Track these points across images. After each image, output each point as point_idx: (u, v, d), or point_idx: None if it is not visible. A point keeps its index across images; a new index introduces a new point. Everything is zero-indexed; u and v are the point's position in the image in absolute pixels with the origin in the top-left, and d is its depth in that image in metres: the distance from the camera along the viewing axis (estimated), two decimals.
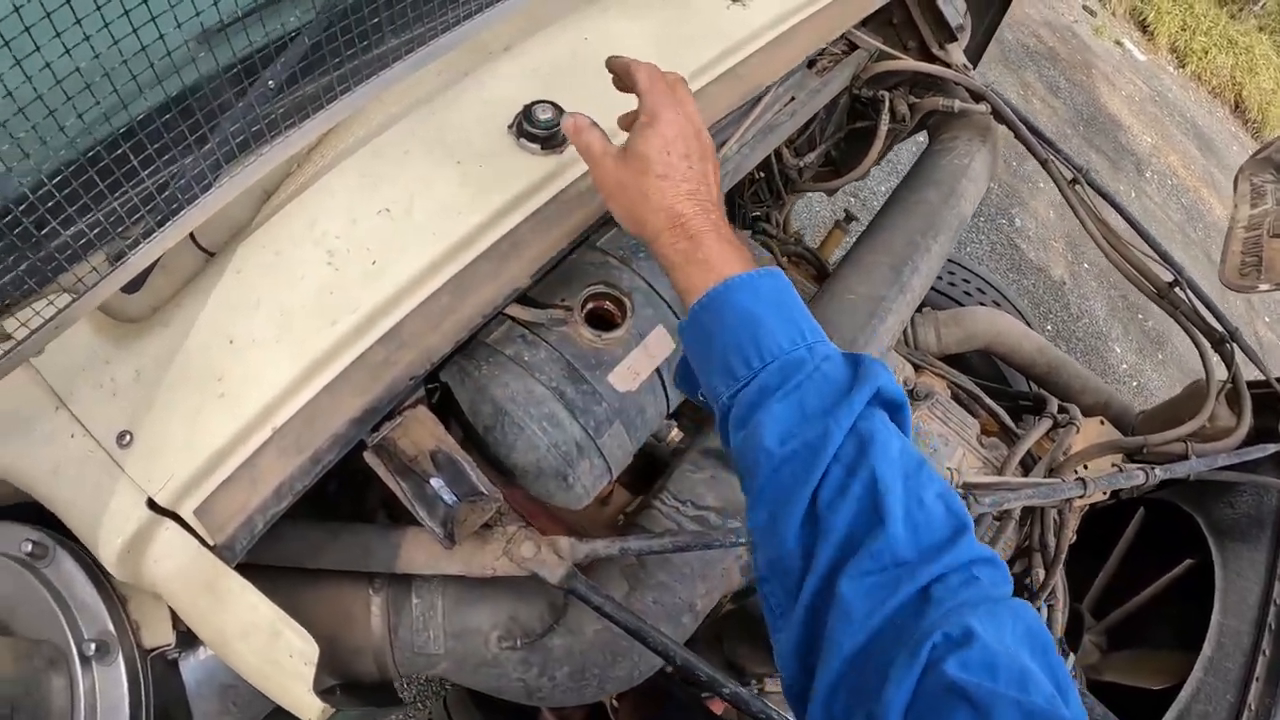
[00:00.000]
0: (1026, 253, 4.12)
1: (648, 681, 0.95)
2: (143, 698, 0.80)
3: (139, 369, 0.76)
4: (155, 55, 0.59)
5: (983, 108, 1.69)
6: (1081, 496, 1.23)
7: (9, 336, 0.72)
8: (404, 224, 0.88)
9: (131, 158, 0.66)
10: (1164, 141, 5.62)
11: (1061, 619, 1.45)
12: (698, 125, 0.79)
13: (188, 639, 0.83)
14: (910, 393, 1.50)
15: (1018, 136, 1.68)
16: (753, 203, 2.07)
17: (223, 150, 0.66)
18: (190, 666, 0.88)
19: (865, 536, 0.53)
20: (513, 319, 0.94)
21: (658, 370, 0.97)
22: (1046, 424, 1.60)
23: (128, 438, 0.75)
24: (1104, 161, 5.01)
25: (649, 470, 1.15)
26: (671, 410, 1.03)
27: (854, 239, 2.35)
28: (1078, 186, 1.65)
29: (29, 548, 0.81)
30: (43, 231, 0.64)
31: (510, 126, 0.99)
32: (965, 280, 2.41)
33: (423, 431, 0.85)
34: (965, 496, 1.09)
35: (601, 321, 0.96)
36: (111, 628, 0.81)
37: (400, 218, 0.88)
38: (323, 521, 0.92)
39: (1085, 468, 1.55)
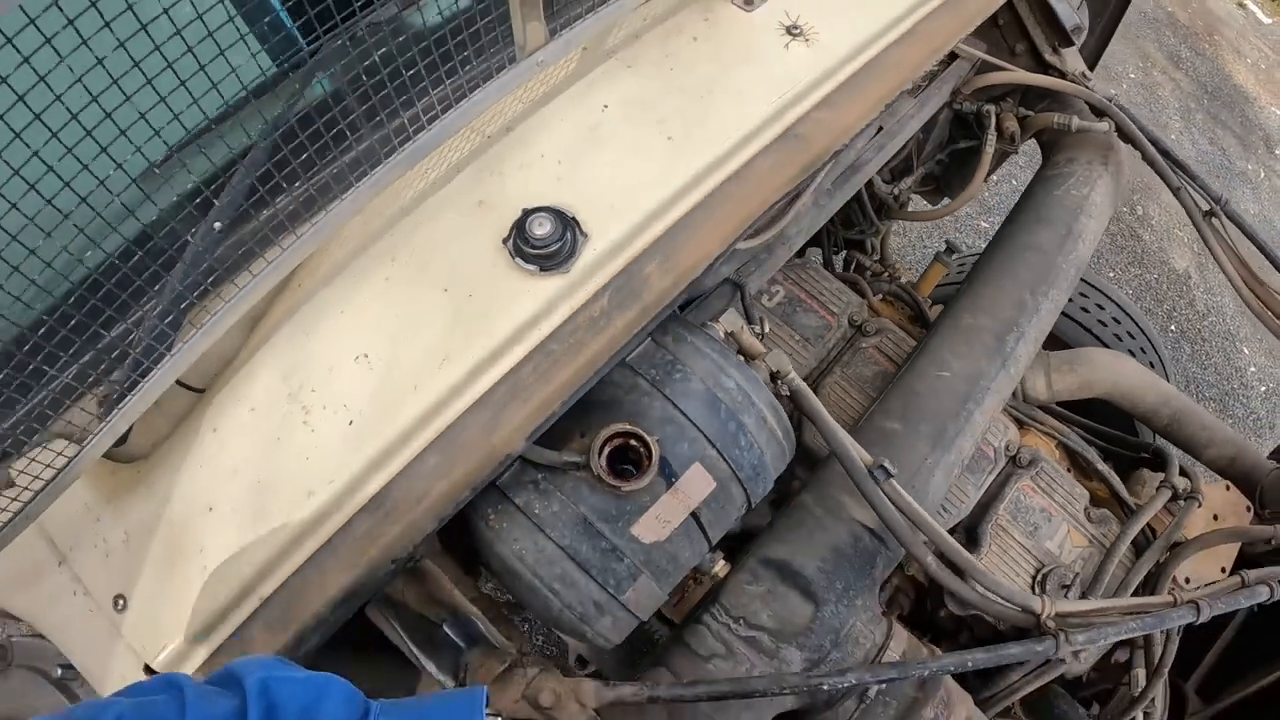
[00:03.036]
0: (1149, 244, 3.74)
1: None
2: None
3: (127, 532, 0.71)
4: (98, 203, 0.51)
5: (1105, 125, 1.46)
6: (1194, 622, 1.04)
7: (12, 483, 0.69)
8: (383, 373, 0.78)
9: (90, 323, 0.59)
10: None
11: None
12: None
13: None
14: (1013, 459, 1.33)
15: (1146, 160, 1.45)
16: (843, 226, 1.88)
17: (169, 314, 0.58)
18: None
19: None
20: (525, 460, 0.84)
21: (694, 514, 0.85)
22: (1165, 496, 1.40)
23: (121, 602, 0.72)
24: (1231, 139, 4.48)
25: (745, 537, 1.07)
26: (712, 547, 0.91)
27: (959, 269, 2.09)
28: (1214, 219, 1.42)
29: (59, 673, 0.83)
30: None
31: (505, 240, 0.84)
32: (1100, 306, 2.07)
33: (433, 584, 0.77)
34: (1055, 633, 0.93)
35: (625, 459, 0.84)
36: None
37: (379, 365, 0.78)
38: (354, 654, 0.88)
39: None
